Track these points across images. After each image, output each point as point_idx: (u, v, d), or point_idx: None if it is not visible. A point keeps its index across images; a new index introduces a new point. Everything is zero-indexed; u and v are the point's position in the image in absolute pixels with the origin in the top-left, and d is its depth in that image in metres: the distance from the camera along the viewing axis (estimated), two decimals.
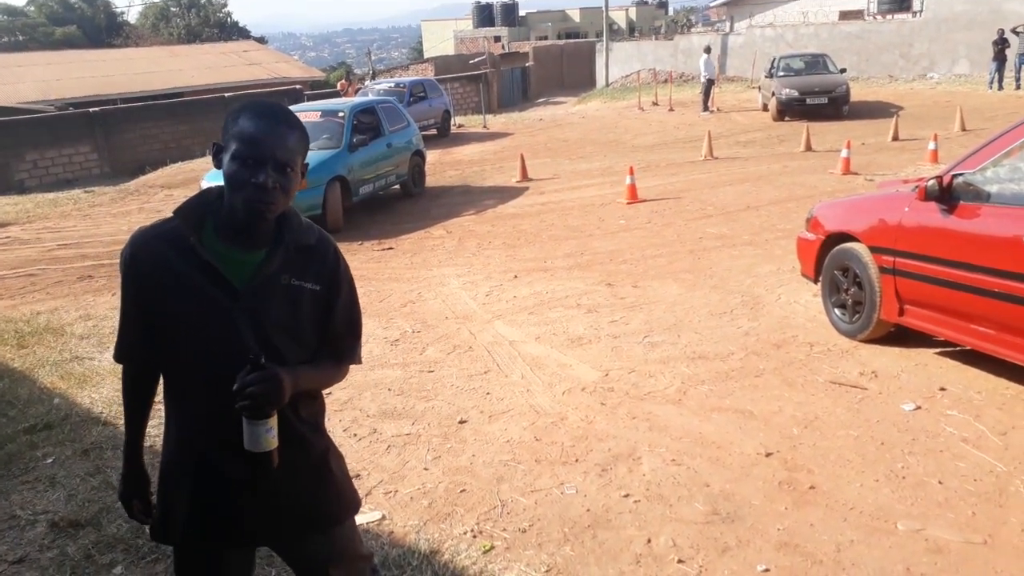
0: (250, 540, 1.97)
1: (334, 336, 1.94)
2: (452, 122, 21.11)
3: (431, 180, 13.18)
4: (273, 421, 1.74)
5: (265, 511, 1.88)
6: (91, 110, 21.65)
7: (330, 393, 4.86)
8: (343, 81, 21.70)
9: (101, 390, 5.04)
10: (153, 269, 1.79)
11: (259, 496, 1.85)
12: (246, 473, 1.79)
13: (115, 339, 1.93)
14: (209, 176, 10.16)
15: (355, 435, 4.27)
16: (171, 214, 1.85)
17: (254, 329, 1.77)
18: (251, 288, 1.77)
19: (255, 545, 2.03)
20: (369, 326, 6.18)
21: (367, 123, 11.34)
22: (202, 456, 1.84)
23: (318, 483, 1.95)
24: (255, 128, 1.73)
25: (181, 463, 1.88)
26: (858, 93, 20.02)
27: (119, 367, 1.98)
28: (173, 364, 1.85)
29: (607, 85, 31.75)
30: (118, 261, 1.92)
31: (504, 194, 11.79)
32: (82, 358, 5.70)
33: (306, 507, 1.93)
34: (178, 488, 1.88)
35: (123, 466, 2.00)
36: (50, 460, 4.15)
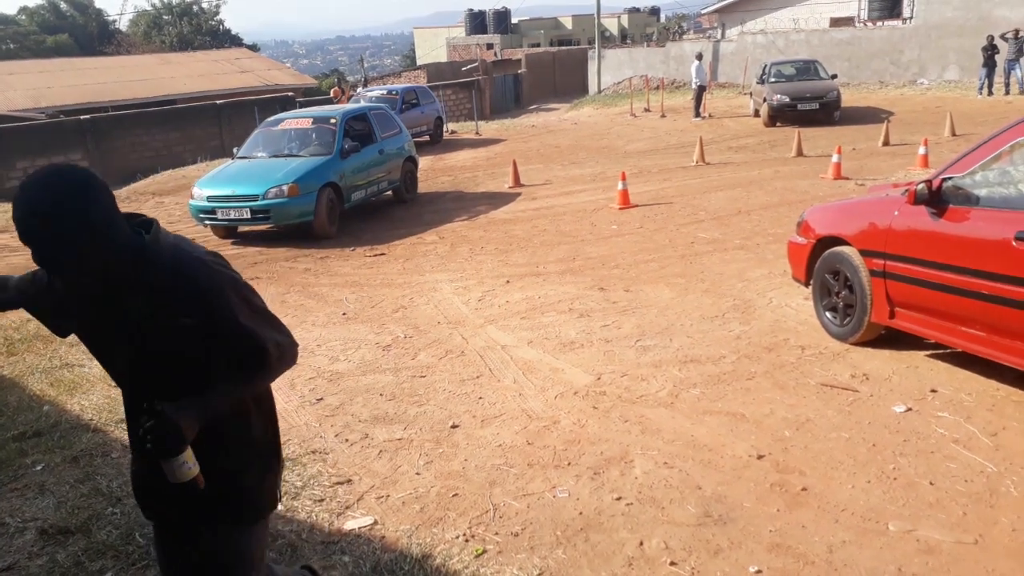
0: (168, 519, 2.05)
1: (236, 353, 1.91)
2: (445, 129, 21.12)
3: (424, 186, 13.19)
4: (185, 455, 1.80)
5: (181, 497, 1.93)
6: (82, 118, 21.60)
7: (321, 399, 4.86)
8: (336, 88, 21.66)
9: (91, 397, 5.01)
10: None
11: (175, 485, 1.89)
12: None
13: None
14: (200, 183, 10.14)
15: (347, 440, 4.26)
16: None
17: (136, 363, 1.89)
18: (125, 329, 1.85)
19: (174, 526, 2.06)
20: (361, 331, 6.17)
21: (359, 130, 11.34)
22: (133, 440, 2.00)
23: (219, 476, 1.95)
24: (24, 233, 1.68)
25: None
26: (849, 99, 20.12)
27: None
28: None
29: (599, 92, 31.83)
30: None
31: (497, 200, 11.80)
32: (71, 365, 5.67)
33: (207, 497, 1.93)
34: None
35: None
36: (39, 467, 4.13)
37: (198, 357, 1.88)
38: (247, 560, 2.04)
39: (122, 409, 2.19)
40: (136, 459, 2.03)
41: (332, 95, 20.73)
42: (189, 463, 1.82)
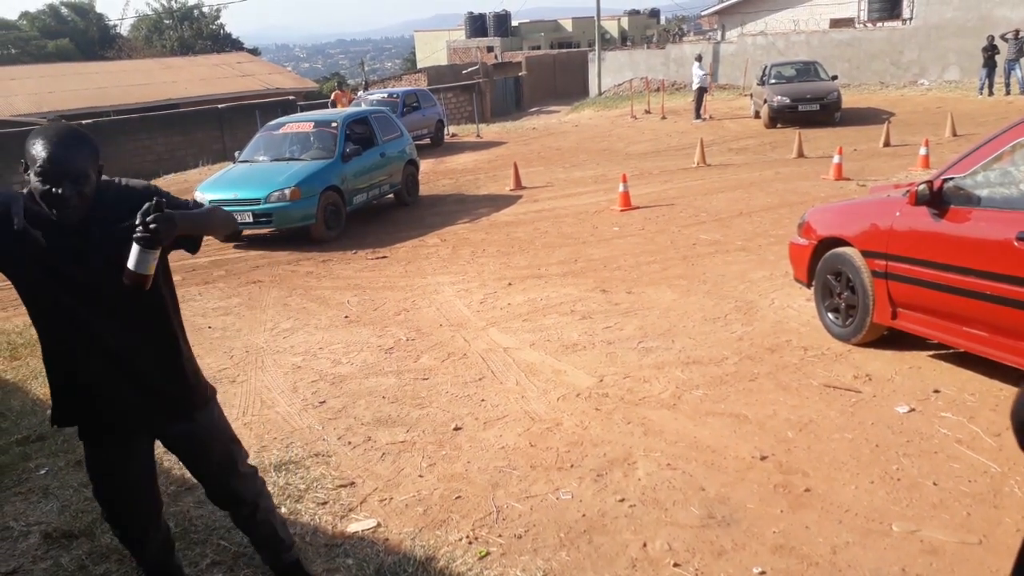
0: (130, 428, 2.47)
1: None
2: (446, 131, 21.14)
3: (425, 189, 13.20)
4: (157, 252, 2.21)
5: (135, 403, 2.42)
6: (84, 122, 21.63)
7: (324, 402, 4.86)
8: (337, 92, 21.67)
9: None
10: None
11: (130, 389, 2.39)
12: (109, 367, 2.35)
13: None
14: (202, 187, 10.16)
15: (349, 443, 4.26)
16: None
17: (96, 282, 2.28)
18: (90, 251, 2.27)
19: (146, 432, 2.53)
20: (363, 334, 6.18)
21: (360, 133, 11.35)
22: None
23: (174, 378, 2.47)
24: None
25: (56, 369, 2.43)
26: (849, 100, 20.12)
27: None
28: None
29: (600, 94, 31.86)
30: None
31: (498, 202, 11.81)
32: None
33: (169, 397, 2.46)
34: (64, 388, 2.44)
35: None
36: (43, 471, 4.14)
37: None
38: (226, 423, 2.69)
39: None
40: (96, 379, 2.38)
41: (332, 99, 20.70)
42: (155, 261, 2.22)
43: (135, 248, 2.17)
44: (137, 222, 2.15)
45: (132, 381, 2.40)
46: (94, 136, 2.30)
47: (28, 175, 2.18)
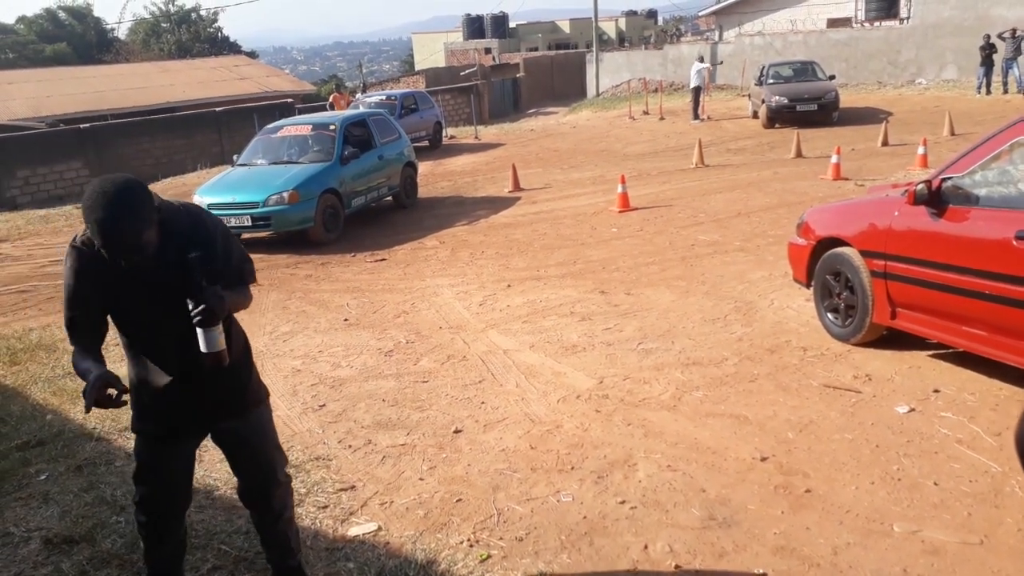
0: (198, 424, 2.64)
1: (238, 268, 2.59)
2: (444, 133, 21.14)
3: (423, 191, 13.20)
4: (220, 327, 2.39)
5: (204, 404, 2.58)
6: (82, 126, 21.62)
7: (324, 405, 4.86)
8: (335, 94, 21.66)
9: None
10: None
11: (197, 395, 2.54)
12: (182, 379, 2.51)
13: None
14: (201, 191, 10.16)
15: (350, 446, 4.26)
16: None
17: (168, 305, 2.41)
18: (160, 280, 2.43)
19: (201, 428, 2.67)
20: (363, 337, 6.18)
21: (358, 136, 11.35)
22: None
23: (239, 378, 2.64)
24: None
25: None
26: (847, 99, 20.15)
27: None
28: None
29: (598, 95, 31.87)
30: None
31: (496, 204, 11.81)
32: (74, 374, 5.66)
33: (232, 396, 2.62)
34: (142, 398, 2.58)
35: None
36: (43, 476, 4.13)
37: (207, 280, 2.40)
38: (274, 428, 2.81)
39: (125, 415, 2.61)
40: (166, 386, 2.52)
41: (331, 101, 20.70)
42: (223, 334, 2.41)
43: (199, 331, 2.36)
44: (191, 309, 2.33)
45: (190, 390, 2.54)
46: (139, 182, 2.36)
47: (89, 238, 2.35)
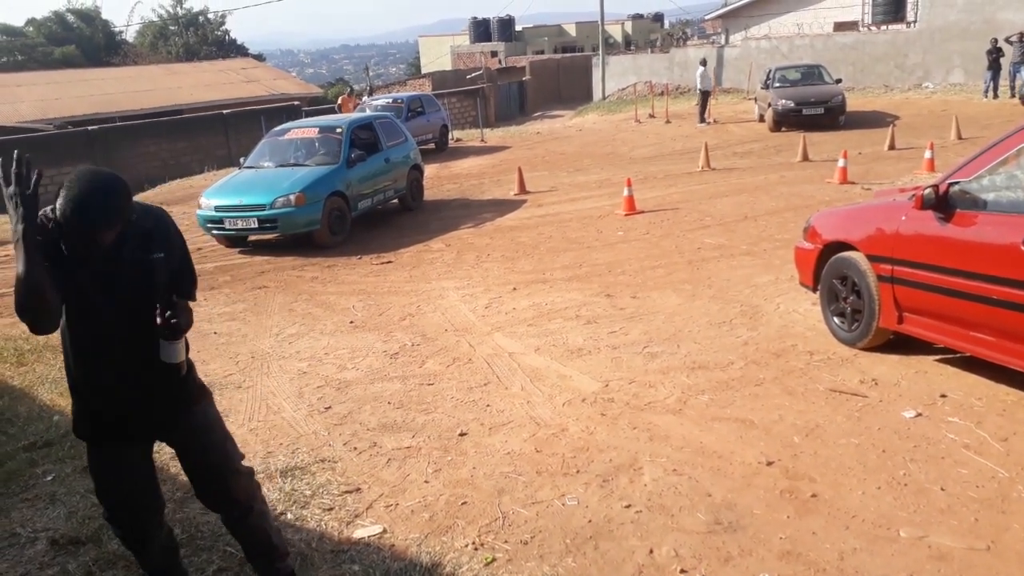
0: (142, 430, 2.62)
1: (182, 280, 2.58)
2: (450, 136, 21.18)
3: (429, 194, 13.22)
4: (183, 340, 2.47)
5: (147, 405, 2.55)
6: (90, 128, 21.73)
7: (330, 407, 4.87)
8: (344, 96, 21.72)
9: None
10: None
11: (136, 394, 2.52)
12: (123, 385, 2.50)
13: None
14: (208, 193, 10.19)
15: (355, 449, 4.27)
16: None
17: (123, 300, 2.44)
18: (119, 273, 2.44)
19: (147, 434, 2.66)
20: (368, 339, 6.19)
21: (365, 138, 11.37)
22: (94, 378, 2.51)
23: (172, 380, 2.58)
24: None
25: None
26: (854, 103, 20.11)
27: None
28: None
29: (604, 98, 31.87)
30: None
31: (502, 207, 11.82)
32: None
33: (170, 397, 2.59)
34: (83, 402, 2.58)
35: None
36: (50, 477, 4.15)
37: (162, 284, 2.47)
38: (221, 422, 2.78)
39: None
40: (110, 384, 2.51)
41: (339, 103, 20.75)
42: (184, 347, 2.50)
43: (163, 342, 2.42)
44: (158, 320, 2.36)
45: (134, 387, 2.51)
46: (123, 182, 2.40)
47: (55, 215, 2.30)
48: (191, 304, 2.55)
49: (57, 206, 2.26)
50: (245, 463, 2.81)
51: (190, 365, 2.68)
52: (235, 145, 22.19)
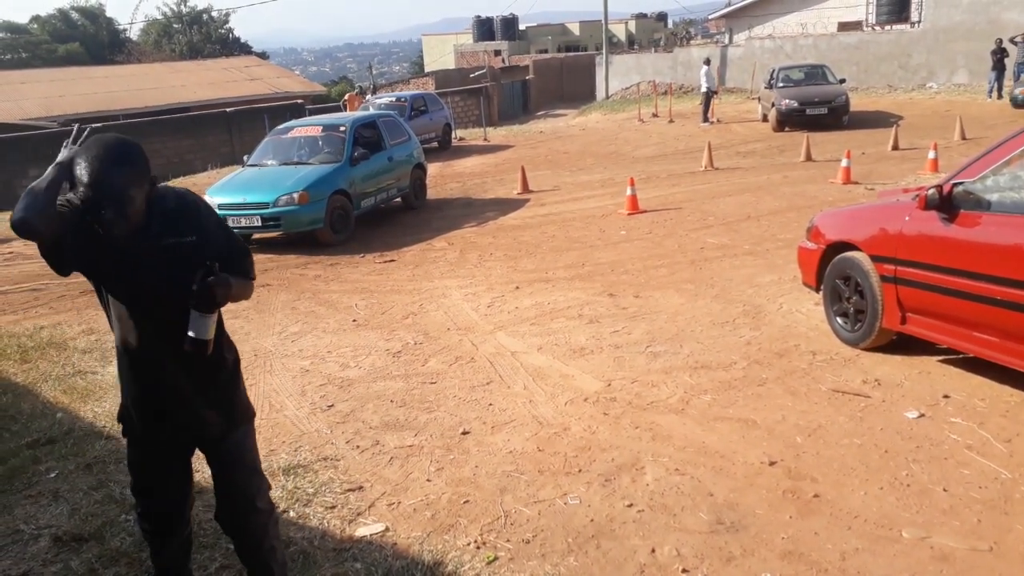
0: (188, 438, 2.55)
1: (233, 255, 2.48)
2: (453, 135, 21.18)
3: (432, 193, 13.22)
4: (215, 316, 2.33)
5: (194, 415, 2.48)
6: (94, 126, 21.73)
7: (332, 405, 4.87)
8: (350, 94, 21.76)
9: (104, 404, 5.04)
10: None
11: (190, 402, 2.45)
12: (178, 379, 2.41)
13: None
14: (211, 191, 10.20)
15: (358, 447, 4.27)
16: None
17: (153, 283, 2.32)
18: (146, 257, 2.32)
19: (193, 442, 2.58)
20: (371, 338, 6.19)
21: (368, 137, 11.38)
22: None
23: (226, 392, 2.56)
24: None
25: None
26: (858, 103, 20.08)
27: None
28: None
29: (607, 97, 31.85)
30: None
31: (505, 206, 11.82)
32: (85, 372, 5.71)
33: (217, 410, 2.51)
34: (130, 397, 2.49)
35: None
36: (53, 474, 4.15)
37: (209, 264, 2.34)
38: (256, 451, 2.69)
39: None
40: (150, 381, 2.43)
41: (346, 100, 20.80)
42: (214, 324, 2.35)
43: (194, 314, 2.27)
44: (195, 287, 2.25)
45: (175, 393, 2.45)
46: (144, 151, 2.31)
47: (74, 192, 2.21)
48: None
49: (79, 175, 2.17)
50: (269, 499, 2.71)
51: (240, 383, 2.63)
52: (239, 143, 22.23)
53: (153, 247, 2.30)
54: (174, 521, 2.66)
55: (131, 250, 2.29)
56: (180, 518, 2.68)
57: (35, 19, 51.34)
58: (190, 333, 2.29)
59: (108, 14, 52.80)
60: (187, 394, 2.46)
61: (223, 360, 2.55)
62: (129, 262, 2.29)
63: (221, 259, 2.39)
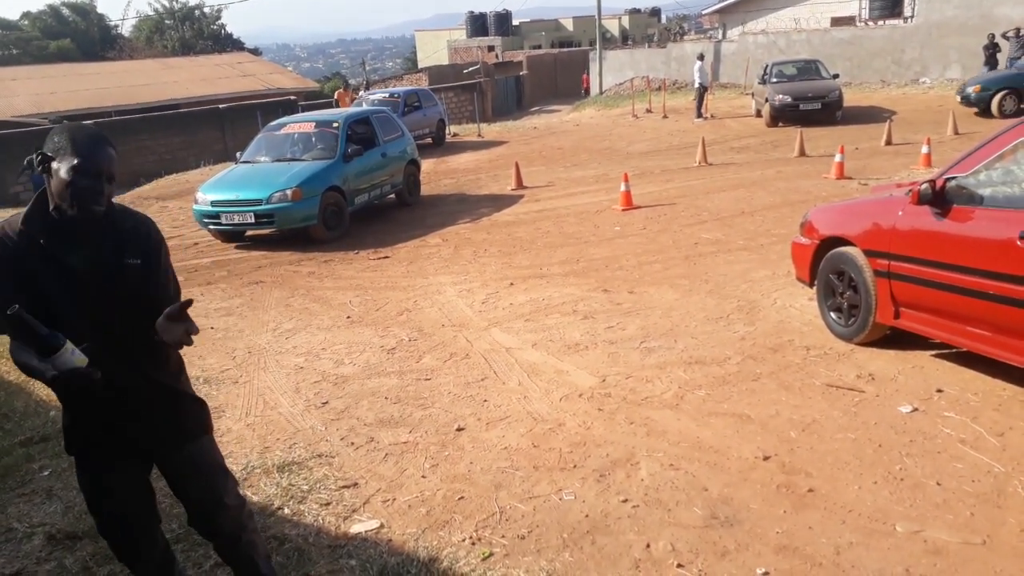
0: (134, 452, 2.48)
1: (166, 293, 2.39)
2: (447, 131, 21.14)
3: (426, 189, 13.20)
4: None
5: (140, 429, 2.43)
6: (85, 123, 21.64)
7: (327, 402, 4.86)
8: (340, 91, 21.71)
9: None
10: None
11: (134, 417, 2.40)
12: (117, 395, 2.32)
13: None
14: (204, 188, 10.16)
15: (352, 444, 4.27)
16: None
17: (97, 303, 2.28)
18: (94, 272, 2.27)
19: (139, 456, 2.52)
20: (365, 334, 6.19)
21: (361, 133, 11.35)
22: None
23: (176, 407, 2.51)
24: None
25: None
26: (851, 98, 20.10)
27: None
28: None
29: (601, 93, 31.82)
30: None
31: (499, 202, 11.81)
32: None
33: (166, 424, 2.47)
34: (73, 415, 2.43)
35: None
36: (47, 472, 4.14)
37: (141, 295, 2.31)
38: (218, 453, 2.66)
39: None
40: (94, 400, 2.32)
41: (336, 97, 20.75)
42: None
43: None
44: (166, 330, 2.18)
45: (126, 410, 2.40)
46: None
47: (55, 167, 2.18)
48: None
49: (65, 145, 2.18)
50: (237, 493, 2.67)
51: (188, 394, 2.58)
52: (231, 140, 22.15)
53: (102, 262, 2.27)
54: (139, 541, 2.58)
55: (80, 263, 2.25)
56: (145, 538, 2.59)
57: (26, 15, 51.05)
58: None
59: (99, 10, 52.55)
60: (138, 410, 2.42)
61: (176, 375, 2.53)
62: (77, 278, 2.24)
63: (160, 289, 2.37)
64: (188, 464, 2.53)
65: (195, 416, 2.59)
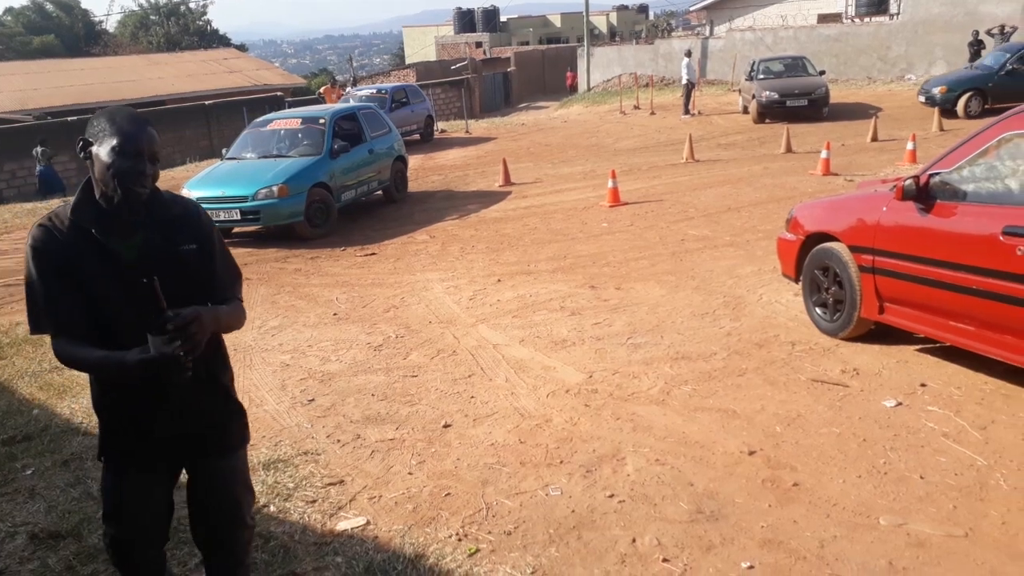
0: (173, 458, 2.41)
1: (226, 276, 2.37)
2: (434, 127, 21.10)
3: (414, 185, 13.17)
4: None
5: (187, 434, 2.34)
6: (70, 119, 21.46)
7: (313, 400, 4.85)
8: (326, 87, 21.61)
9: (80, 400, 4.98)
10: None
11: (179, 420, 2.30)
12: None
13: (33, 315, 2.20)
14: (190, 185, 10.10)
15: (339, 441, 4.25)
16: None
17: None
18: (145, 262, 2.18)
19: (175, 465, 2.45)
20: (352, 331, 6.17)
21: (348, 129, 11.31)
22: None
23: (228, 412, 2.46)
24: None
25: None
26: (837, 95, 20.19)
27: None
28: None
29: (589, 89, 31.82)
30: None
31: (487, 199, 11.80)
32: (61, 369, 5.63)
33: (216, 432, 2.41)
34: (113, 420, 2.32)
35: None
36: (30, 471, 4.11)
37: (199, 282, 2.26)
38: (248, 469, 2.59)
39: None
40: (154, 408, 2.26)
41: (321, 92, 20.65)
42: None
43: (149, 336, 2.05)
44: (173, 335, 2.02)
45: (171, 414, 2.30)
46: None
47: (95, 151, 2.12)
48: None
49: (112, 128, 2.11)
50: (252, 514, 2.61)
51: (238, 406, 2.49)
52: (217, 136, 22.04)
53: (155, 252, 2.20)
54: (149, 557, 2.45)
55: (132, 257, 2.17)
56: (153, 555, 2.47)
57: (9, 11, 50.59)
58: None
59: (83, 6, 52.15)
60: (191, 423, 2.34)
61: (223, 378, 2.45)
62: (131, 270, 2.14)
63: (220, 271, 2.33)
64: (221, 475, 2.44)
65: (241, 424, 2.51)
